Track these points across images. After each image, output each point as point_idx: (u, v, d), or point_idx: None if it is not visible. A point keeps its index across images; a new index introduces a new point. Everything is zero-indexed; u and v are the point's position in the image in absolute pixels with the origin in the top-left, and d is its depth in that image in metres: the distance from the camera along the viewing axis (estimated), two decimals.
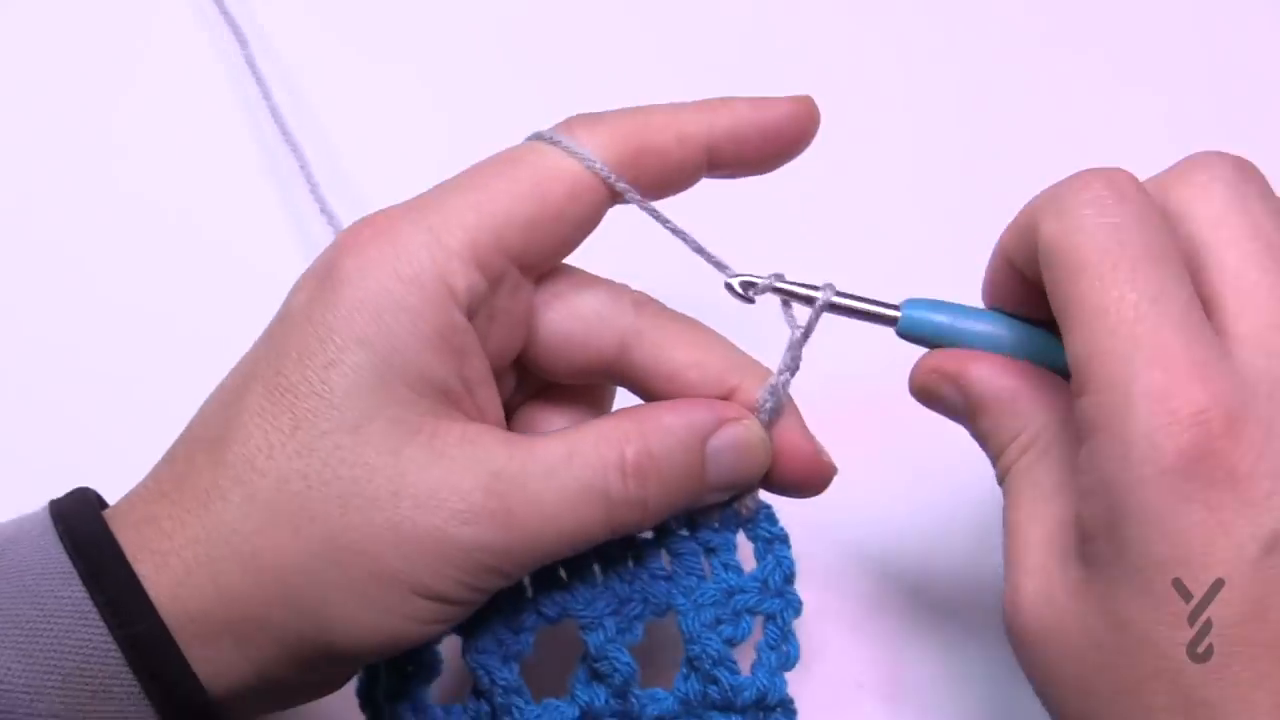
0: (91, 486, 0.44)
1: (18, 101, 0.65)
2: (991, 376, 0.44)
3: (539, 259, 0.45)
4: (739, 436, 0.45)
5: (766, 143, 0.46)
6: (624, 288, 0.47)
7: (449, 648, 0.48)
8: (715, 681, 0.46)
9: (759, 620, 0.47)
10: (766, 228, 0.60)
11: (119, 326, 0.61)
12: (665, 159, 0.45)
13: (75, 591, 0.40)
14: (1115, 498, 0.38)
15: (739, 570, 0.48)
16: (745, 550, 0.48)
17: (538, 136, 0.45)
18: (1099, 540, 0.39)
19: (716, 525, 0.47)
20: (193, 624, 0.41)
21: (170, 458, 0.44)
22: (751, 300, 0.46)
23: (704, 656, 0.46)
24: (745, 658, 0.47)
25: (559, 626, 0.47)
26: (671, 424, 0.45)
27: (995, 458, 0.45)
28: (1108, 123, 0.66)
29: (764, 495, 0.48)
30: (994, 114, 0.67)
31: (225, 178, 0.64)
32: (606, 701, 0.46)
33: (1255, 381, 0.39)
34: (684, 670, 0.47)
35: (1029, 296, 0.45)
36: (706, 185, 0.47)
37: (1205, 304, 0.40)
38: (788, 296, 0.46)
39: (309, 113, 0.65)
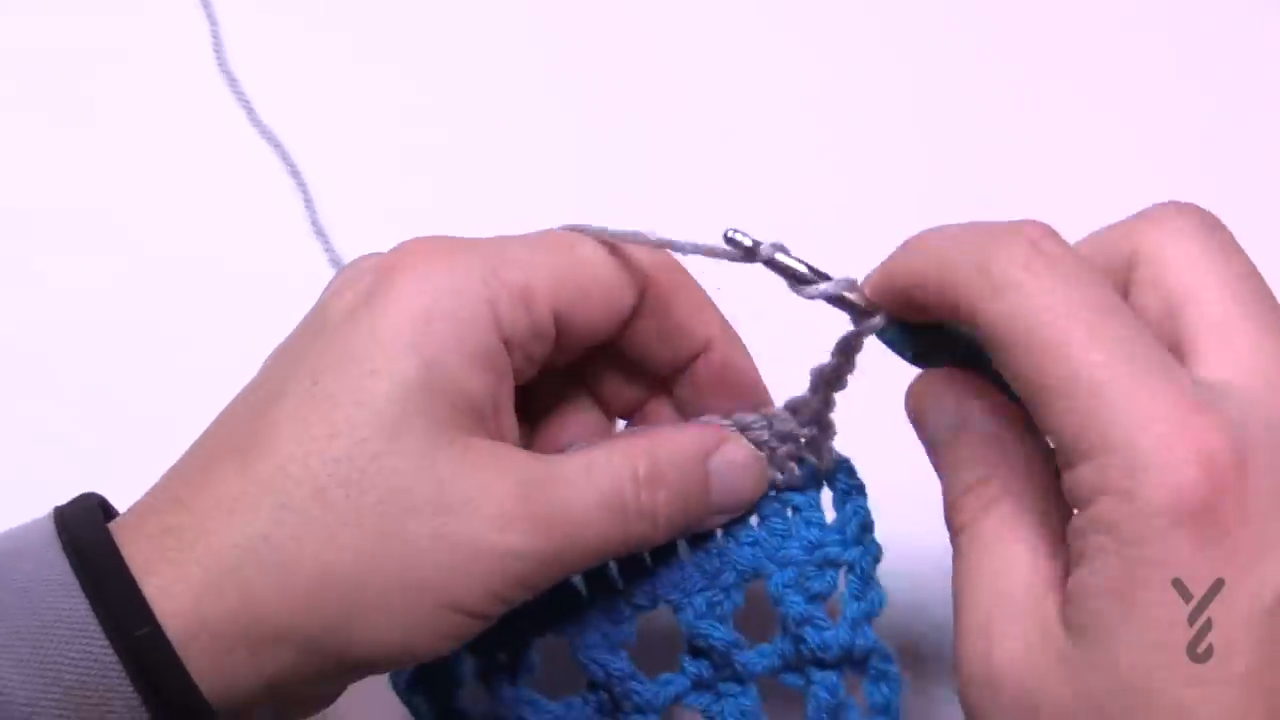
0: (96, 492, 0.44)
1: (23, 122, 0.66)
2: (990, 409, 0.43)
3: (576, 329, 0.45)
4: (737, 455, 0.47)
5: (724, 391, 0.48)
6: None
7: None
8: (803, 641, 0.47)
9: (843, 572, 0.48)
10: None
11: (125, 337, 0.62)
12: (679, 318, 0.47)
13: (78, 604, 0.40)
14: (1130, 556, 0.37)
15: (822, 524, 0.48)
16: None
17: (582, 227, 0.46)
18: (1102, 603, 0.38)
19: (799, 484, 0.48)
20: (208, 634, 0.40)
21: (184, 469, 0.43)
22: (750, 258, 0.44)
23: (789, 618, 0.47)
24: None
25: (659, 610, 0.48)
26: (678, 440, 0.46)
27: (959, 495, 0.43)
28: (1109, 128, 0.67)
29: (843, 449, 0.48)
30: (992, 120, 0.67)
31: (234, 200, 0.65)
32: (714, 670, 0.48)
33: (1248, 423, 0.37)
34: (780, 629, 0.48)
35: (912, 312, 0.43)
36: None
37: (1178, 347, 0.39)
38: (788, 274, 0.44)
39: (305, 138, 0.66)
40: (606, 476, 0.44)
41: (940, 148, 0.66)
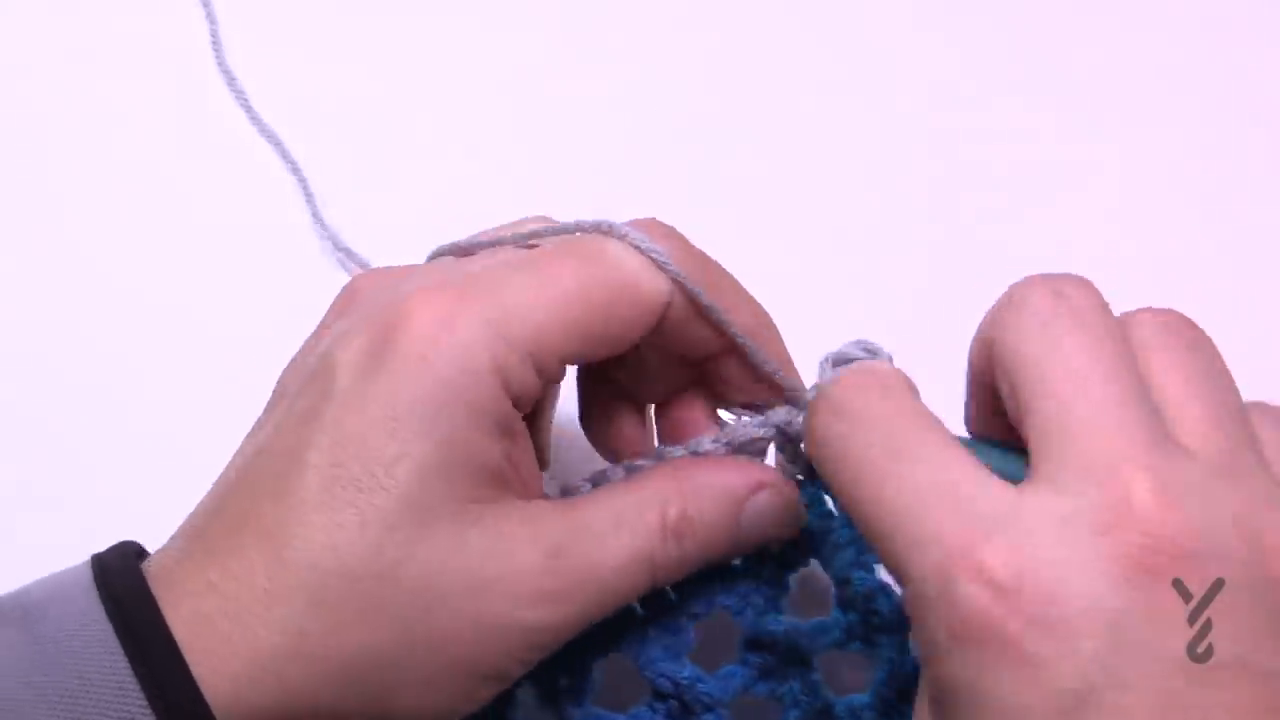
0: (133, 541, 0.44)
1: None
2: None
3: (590, 356, 0.45)
4: (773, 503, 0.46)
5: (747, 393, 0.47)
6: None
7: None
8: (875, 613, 0.47)
9: None
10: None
11: (124, 339, 0.61)
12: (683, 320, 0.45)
13: (116, 662, 0.39)
14: (930, 667, 0.38)
15: None
16: None
17: (606, 228, 0.45)
18: (924, 706, 0.39)
19: None
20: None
21: (210, 537, 0.42)
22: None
23: (858, 595, 0.47)
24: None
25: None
26: (709, 485, 0.45)
27: None
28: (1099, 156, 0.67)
29: None
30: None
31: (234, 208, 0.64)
32: (777, 658, 0.48)
33: (1036, 531, 0.37)
34: (838, 607, 0.47)
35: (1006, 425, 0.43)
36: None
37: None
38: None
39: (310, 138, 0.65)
40: (635, 532, 0.44)
41: (940, 153, 0.66)
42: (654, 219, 0.45)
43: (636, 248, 0.44)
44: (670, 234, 0.45)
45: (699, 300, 0.45)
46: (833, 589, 0.48)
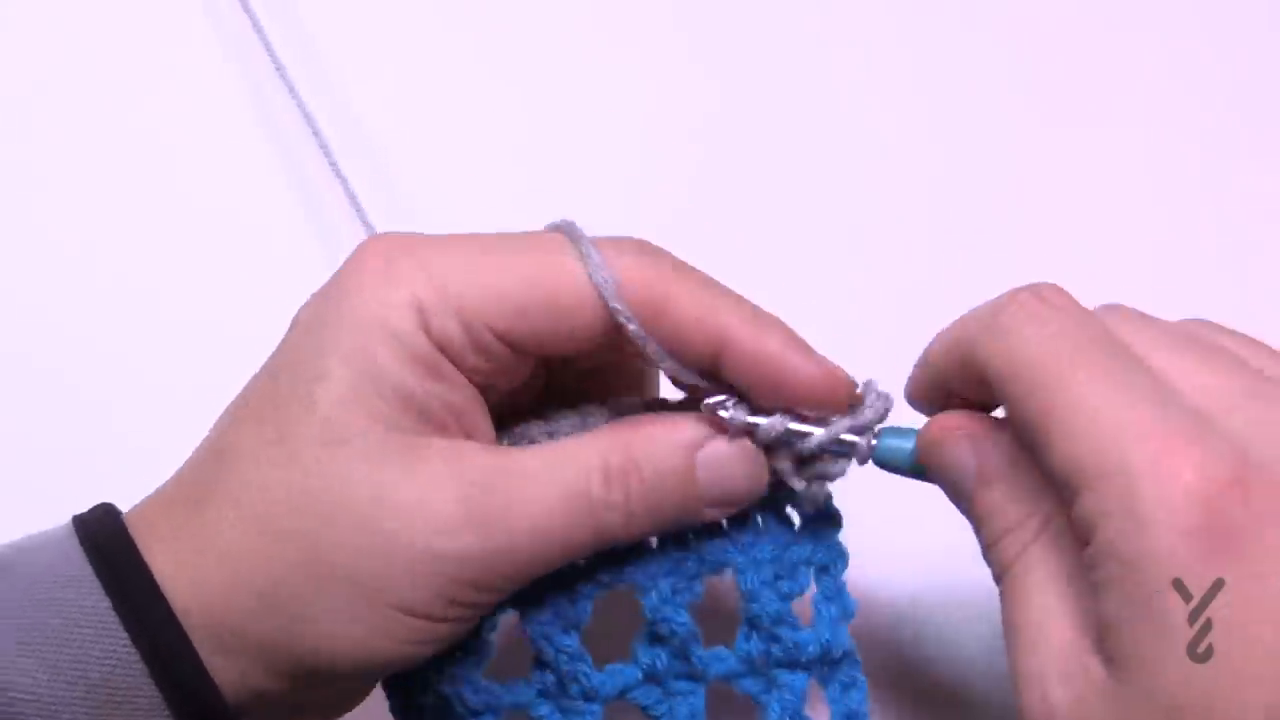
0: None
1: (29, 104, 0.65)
2: (1011, 448, 0.42)
3: (531, 345, 0.44)
4: (730, 451, 0.45)
5: (769, 385, 0.44)
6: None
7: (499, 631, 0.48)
8: (777, 640, 0.46)
9: (812, 575, 0.47)
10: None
11: (137, 338, 0.62)
12: (678, 328, 0.44)
13: (98, 601, 0.41)
14: (1140, 578, 0.37)
15: (791, 524, 0.47)
16: None
17: (567, 228, 0.44)
18: (1125, 631, 0.37)
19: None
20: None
21: (182, 467, 0.45)
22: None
23: (764, 615, 0.46)
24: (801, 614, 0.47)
25: (619, 593, 0.47)
26: (656, 433, 0.44)
27: (996, 540, 0.42)
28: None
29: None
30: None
31: (249, 182, 0.64)
32: (669, 663, 0.47)
33: (1250, 440, 0.38)
34: (744, 629, 0.47)
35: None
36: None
37: None
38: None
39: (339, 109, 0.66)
40: (571, 470, 0.43)
41: (949, 162, 0.66)
42: (632, 239, 0.44)
43: (585, 264, 0.43)
44: (642, 250, 0.44)
45: (633, 334, 0.43)
46: (741, 607, 0.47)
